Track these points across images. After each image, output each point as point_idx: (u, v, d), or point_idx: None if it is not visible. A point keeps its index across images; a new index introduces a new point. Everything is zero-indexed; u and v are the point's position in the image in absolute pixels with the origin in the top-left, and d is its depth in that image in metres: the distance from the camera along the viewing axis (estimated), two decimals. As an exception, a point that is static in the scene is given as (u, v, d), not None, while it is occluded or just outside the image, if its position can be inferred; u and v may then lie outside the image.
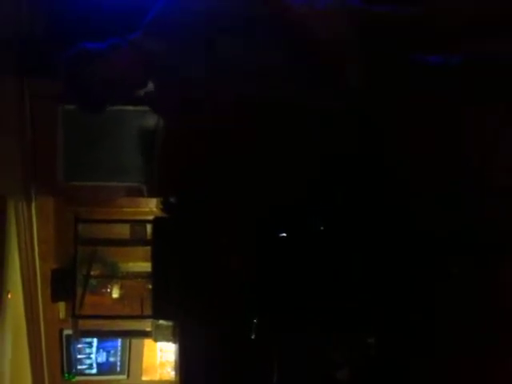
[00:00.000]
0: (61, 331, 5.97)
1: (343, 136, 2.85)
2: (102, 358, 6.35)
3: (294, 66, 2.63)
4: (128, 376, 6.42)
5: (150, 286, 4.82)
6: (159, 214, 4.76)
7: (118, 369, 6.38)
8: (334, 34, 2.58)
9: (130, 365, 6.40)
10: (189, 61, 2.64)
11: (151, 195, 4.94)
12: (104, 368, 6.37)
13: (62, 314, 5.75)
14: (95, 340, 6.32)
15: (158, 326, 5.11)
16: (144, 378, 6.51)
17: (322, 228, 3.41)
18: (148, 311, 5.03)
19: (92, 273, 5.71)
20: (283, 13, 2.56)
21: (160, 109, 3.10)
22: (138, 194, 4.87)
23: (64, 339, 6.01)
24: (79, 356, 6.24)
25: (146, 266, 5.22)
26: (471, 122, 2.89)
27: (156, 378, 6.52)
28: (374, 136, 2.99)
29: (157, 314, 4.70)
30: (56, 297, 5.40)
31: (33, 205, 4.95)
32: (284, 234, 3.52)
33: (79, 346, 6.21)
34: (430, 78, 2.75)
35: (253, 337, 3.67)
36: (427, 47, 2.75)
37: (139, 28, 2.67)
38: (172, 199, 4.45)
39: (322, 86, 2.65)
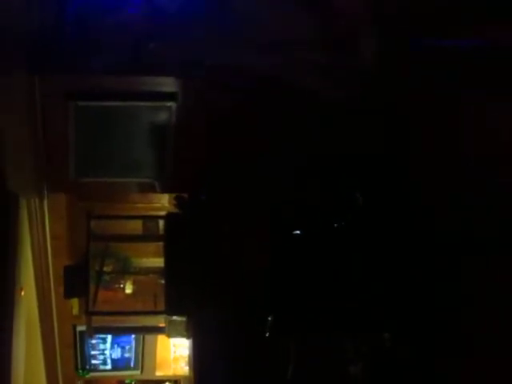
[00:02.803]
0: (74, 327, 5.98)
1: (345, 135, 2.84)
2: (117, 353, 6.35)
3: (305, 29, 2.61)
4: (142, 371, 6.43)
5: (163, 282, 4.81)
6: (171, 209, 4.76)
7: (132, 364, 6.39)
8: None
9: (143, 360, 6.40)
10: (192, 21, 2.64)
11: (163, 191, 4.93)
12: (118, 364, 6.37)
13: (75, 310, 5.75)
14: (109, 335, 6.33)
15: (171, 322, 5.09)
16: (158, 374, 6.52)
17: (335, 225, 3.40)
18: (161, 307, 5.02)
19: (105, 269, 5.70)
20: None
21: (160, 65, 3.10)
22: (151, 189, 4.86)
23: (77, 335, 6.02)
24: (93, 352, 6.25)
25: (158, 262, 5.22)
26: (471, 119, 2.87)
27: (170, 373, 6.53)
28: (375, 135, 2.98)
29: (170, 310, 4.70)
30: (69, 293, 5.40)
31: (45, 202, 4.96)
32: (298, 232, 3.51)
33: (93, 341, 6.22)
34: (440, 62, 2.73)
35: (267, 334, 3.66)
36: (440, 31, 2.74)
37: None
38: (184, 195, 4.45)
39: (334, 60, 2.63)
